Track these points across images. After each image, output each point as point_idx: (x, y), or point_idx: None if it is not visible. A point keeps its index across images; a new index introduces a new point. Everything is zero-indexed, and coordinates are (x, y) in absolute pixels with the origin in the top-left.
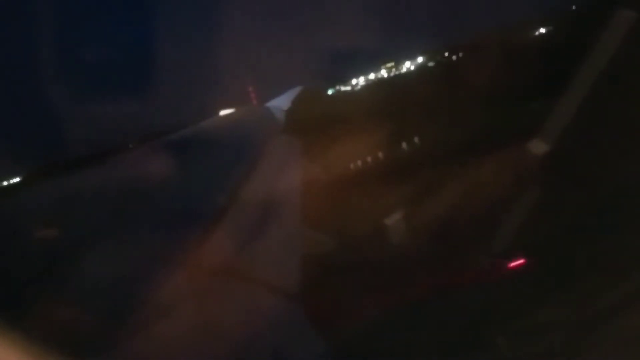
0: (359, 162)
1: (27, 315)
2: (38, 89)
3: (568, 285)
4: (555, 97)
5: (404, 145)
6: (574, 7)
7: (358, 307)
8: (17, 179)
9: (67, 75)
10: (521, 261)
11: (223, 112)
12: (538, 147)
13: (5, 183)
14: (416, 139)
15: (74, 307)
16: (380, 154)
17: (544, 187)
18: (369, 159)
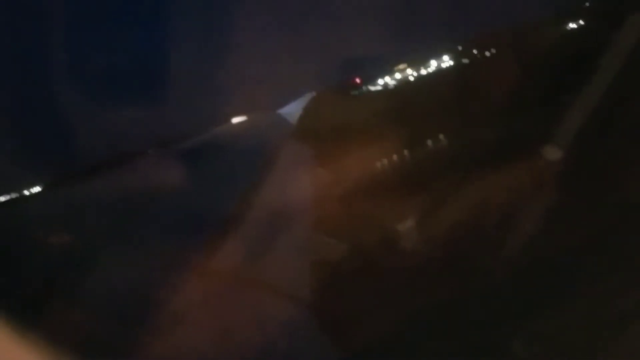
0: (372, 169)
1: (41, 321)
2: (50, 96)
3: (584, 289)
4: (570, 101)
5: (418, 152)
6: (587, 4)
7: (370, 313)
8: (30, 186)
9: (79, 82)
10: None
11: (235, 119)
12: (552, 153)
13: (18, 191)
14: (431, 145)
15: (88, 312)
16: (393, 161)
17: (559, 193)
18: (382, 165)
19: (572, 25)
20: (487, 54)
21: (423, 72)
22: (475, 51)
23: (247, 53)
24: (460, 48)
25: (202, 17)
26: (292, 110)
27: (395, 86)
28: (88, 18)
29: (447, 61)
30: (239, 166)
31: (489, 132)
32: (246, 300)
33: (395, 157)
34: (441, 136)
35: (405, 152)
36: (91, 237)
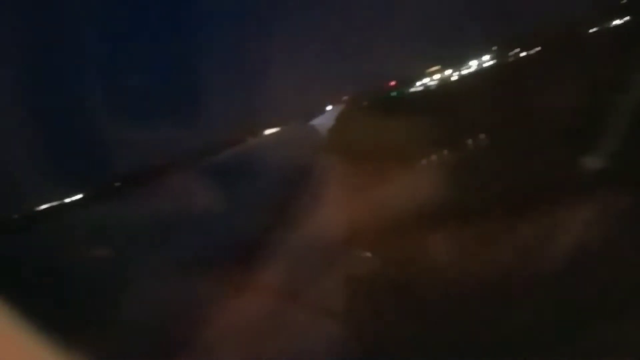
0: (408, 181)
1: (78, 335)
2: (84, 112)
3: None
4: (613, 101)
5: (459, 169)
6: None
7: (407, 329)
8: (69, 196)
9: (115, 98)
10: None
11: (268, 132)
12: (594, 162)
13: (55, 205)
14: (472, 161)
15: (125, 328)
16: (433, 175)
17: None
18: (419, 178)
19: (614, 23)
20: (529, 53)
21: (461, 73)
22: (515, 51)
23: (279, 66)
24: (496, 48)
25: (232, 31)
26: (325, 121)
27: (432, 89)
28: (118, 36)
29: (486, 62)
30: (272, 180)
31: (535, 144)
32: (282, 316)
33: (434, 171)
34: (481, 148)
35: (445, 167)
36: (127, 251)
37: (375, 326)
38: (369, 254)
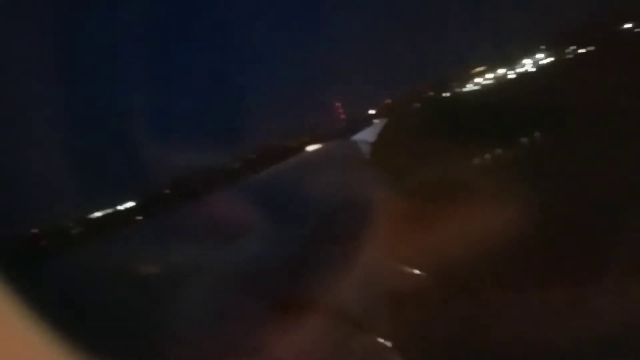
0: (466, 209)
1: (128, 351)
2: (128, 125)
3: None
4: None
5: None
6: None
7: (457, 347)
8: (122, 203)
9: (157, 112)
10: None
11: (310, 148)
12: None
13: (109, 212)
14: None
15: (175, 342)
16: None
17: None
18: (477, 204)
19: None
20: (582, 51)
21: (516, 71)
22: (566, 50)
23: (320, 82)
24: (551, 46)
25: (274, 44)
26: (367, 136)
27: (485, 89)
28: (163, 51)
29: (542, 59)
30: (314, 196)
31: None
32: (324, 331)
33: (496, 198)
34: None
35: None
36: (171, 267)
37: (424, 345)
38: (414, 270)
